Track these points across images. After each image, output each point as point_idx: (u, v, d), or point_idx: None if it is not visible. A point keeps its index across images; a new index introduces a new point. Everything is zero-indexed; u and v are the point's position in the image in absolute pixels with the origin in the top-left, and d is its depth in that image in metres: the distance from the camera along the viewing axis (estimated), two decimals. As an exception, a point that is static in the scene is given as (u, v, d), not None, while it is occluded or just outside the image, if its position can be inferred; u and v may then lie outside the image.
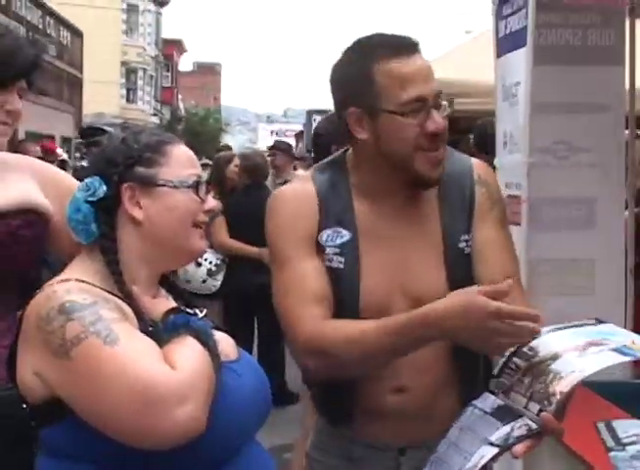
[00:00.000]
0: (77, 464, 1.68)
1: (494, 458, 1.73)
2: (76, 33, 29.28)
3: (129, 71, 46.14)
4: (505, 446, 1.72)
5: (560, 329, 1.85)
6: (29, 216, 2.16)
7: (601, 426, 2.48)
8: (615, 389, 2.84)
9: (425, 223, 2.16)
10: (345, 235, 2.13)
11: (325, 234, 2.13)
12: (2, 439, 1.95)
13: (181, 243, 1.82)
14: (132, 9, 46.59)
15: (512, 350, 1.83)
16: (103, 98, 35.63)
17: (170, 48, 54.65)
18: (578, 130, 3.19)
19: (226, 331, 1.92)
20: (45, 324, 1.64)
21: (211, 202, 1.86)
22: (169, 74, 55.31)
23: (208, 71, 71.42)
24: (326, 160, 2.28)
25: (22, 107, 2.20)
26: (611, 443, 2.36)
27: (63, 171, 2.52)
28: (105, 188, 1.77)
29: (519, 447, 1.72)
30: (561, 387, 1.70)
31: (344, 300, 2.09)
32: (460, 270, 2.14)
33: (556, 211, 3.21)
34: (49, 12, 26.07)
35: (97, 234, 1.77)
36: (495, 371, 1.85)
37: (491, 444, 1.73)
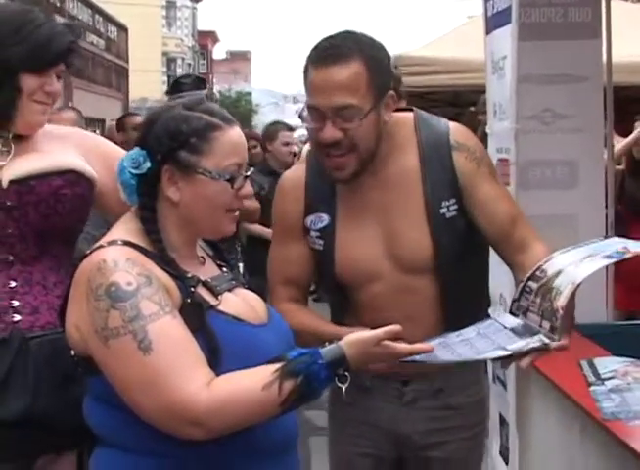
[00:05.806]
0: (116, 410, 1.64)
1: (502, 360, 1.68)
2: (122, 28, 29.19)
3: (169, 61, 46.14)
4: (517, 354, 1.66)
5: (568, 250, 1.80)
6: (69, 176, 2.07)
7: (584, 363, 2.43)
8: (597, 330, 2.80)
9: (407, 190, 2.10)
10: (325, 220, 2.12)
11: (309, 220, 2.13)
12: (53, 378, 1.94)
13: (212, 226, 1.75)
14: (171, 5, 46.52)
15: (528, 274, 1.78)
16: (147, 85, 35.65)
17: (205, 39, 54.51)
18: (561, 99, 3.13)
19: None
20: (94, 298, 1.59)
21: (246, 188, 1.75)
22: (205, 62, 55.21)
23: (240, 58, 71.07)
24: None
25: (58, 88, 2.13)
26: (592, 378, 2.31)
27: (102, 138, 2.45)
28: (149, 164, 1.69)
29: (524, 360, 1.67)
30: (560, 303, 1.65)
31: (324, 276, 2.17)
32: (442, 233, 2.08)
33: (542, 171, 3.16)
34: (97, 10, 26.00)
35: (138, 203, 1.72)
36: (515, 295, 1.80)
37: (505, 349, 1.66)
